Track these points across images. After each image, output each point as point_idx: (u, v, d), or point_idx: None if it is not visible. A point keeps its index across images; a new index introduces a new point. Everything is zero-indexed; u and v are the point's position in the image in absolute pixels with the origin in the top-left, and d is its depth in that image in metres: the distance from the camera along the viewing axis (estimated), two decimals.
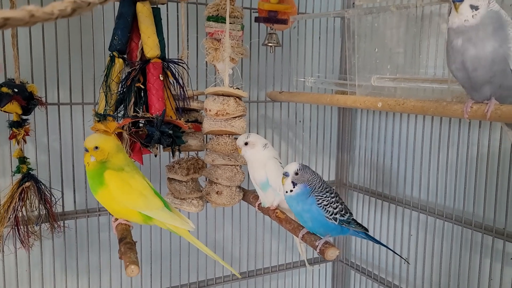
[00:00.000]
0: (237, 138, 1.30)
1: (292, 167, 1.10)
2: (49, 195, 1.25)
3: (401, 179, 1.67)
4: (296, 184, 1.09)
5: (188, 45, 1.44)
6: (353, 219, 1.13)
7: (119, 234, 1.01)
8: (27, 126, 1.18)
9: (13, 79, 1.16)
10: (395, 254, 1.57)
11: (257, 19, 1.51)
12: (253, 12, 1.60)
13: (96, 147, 1.02)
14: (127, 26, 1.19)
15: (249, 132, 1.68)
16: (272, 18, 1.49)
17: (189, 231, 1.08)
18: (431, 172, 1.51)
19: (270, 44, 1.53)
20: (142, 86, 1.20)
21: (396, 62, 1.32)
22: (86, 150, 1.04)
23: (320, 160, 1.91)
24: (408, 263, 1.58)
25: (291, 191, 1.10)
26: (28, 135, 1.20)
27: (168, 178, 1.36)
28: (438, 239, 1.52)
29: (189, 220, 1.07)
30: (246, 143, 1.23)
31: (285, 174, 1.11)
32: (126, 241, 0.95)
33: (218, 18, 1.34)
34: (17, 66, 1.16)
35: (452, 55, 0.91)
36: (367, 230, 1.16)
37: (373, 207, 1.79)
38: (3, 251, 1.23)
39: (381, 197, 1.73)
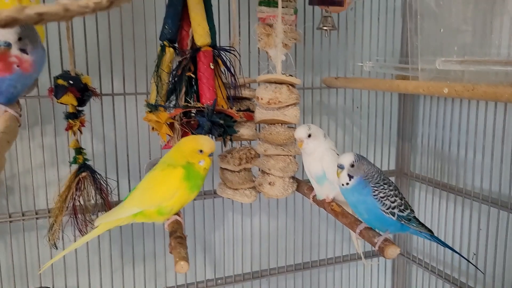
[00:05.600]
0: (290, 127, 1.25)
1: (347, 159, 1.03)
2: (104, 185, 1.26)
3: (468, 169, 1.55)
4: (352, 176, 1.03)
5: (240, 32, 1.40)
6: (414, 216, 1.05)
7: (169, 227, 0.99)
8: (82, 117, 1.19)
9: (69, 71, 1.17)
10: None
11: (311, 2, 1.44)
12: None
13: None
14: (177, 14, 1.17)
15: (303, 121, 1.62)
16: None
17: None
18: (504, 163, 1.38)
19: (325, 28, 1.46)
20: (193, 75, 1.18)
21: (464, 43, 1.20)
22: (201, 152, 1.04)
23: (379, 149, 1.81)
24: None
25: (347, 183, 1.04)
26: (84, 126, 1.21)
27: (220, 168, 1.34)
28: (511, 234, 1.40)
29: None
30: (309, 135, 1.17)
31: (340, 167, 1.04)
32: (177, 235, 0.93)
33: (270, 3, 1.28)
34: (72, 58, 1.17)
35: None
36: (430, 231, 1.08)
37: (437, 198, 1.68)
38: (62, 239, 1.26)
39: (446, 188, 1.62)
